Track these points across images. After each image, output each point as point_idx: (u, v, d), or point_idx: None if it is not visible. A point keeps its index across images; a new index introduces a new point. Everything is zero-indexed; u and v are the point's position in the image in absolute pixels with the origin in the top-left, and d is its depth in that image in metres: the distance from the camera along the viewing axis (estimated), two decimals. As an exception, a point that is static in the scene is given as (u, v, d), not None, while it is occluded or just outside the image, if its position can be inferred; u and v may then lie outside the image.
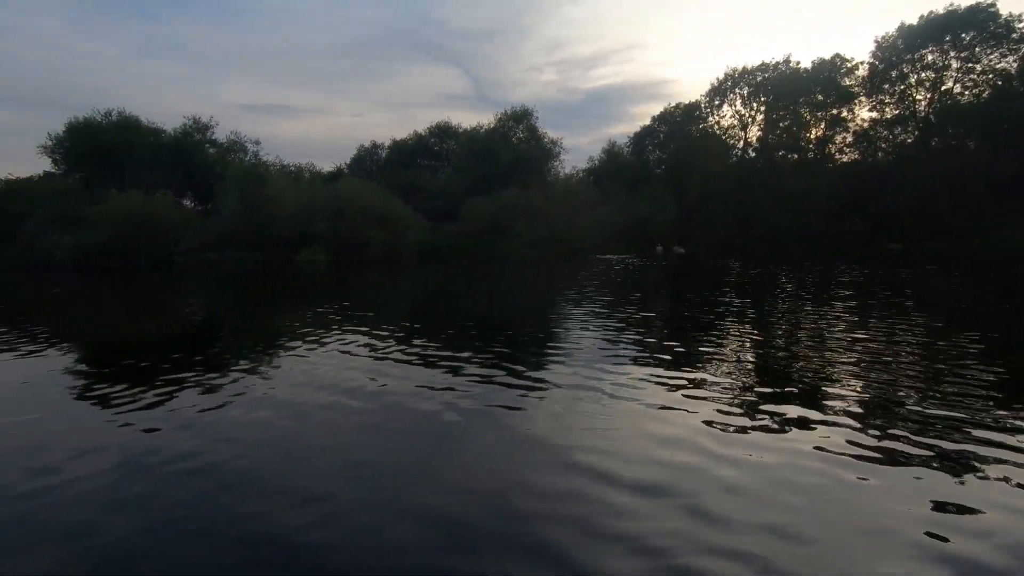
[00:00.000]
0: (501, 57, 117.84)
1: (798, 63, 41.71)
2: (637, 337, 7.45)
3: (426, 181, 36.89)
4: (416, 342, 7.54)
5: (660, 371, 5.51)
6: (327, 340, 7.71)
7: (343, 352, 6.94)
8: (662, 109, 48.95)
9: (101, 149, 32.32)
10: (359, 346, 7.27)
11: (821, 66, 40.56)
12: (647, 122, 49.16)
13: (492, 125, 38.17)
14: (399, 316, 10.89)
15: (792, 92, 40.60)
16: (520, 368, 5.85)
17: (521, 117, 37.88)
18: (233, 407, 4.74)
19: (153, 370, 6.28)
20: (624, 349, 6.67)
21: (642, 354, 6.35)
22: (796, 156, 41.98)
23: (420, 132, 43.34)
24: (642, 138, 49.11)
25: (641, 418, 4.20)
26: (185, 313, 12.03)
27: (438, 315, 11.24)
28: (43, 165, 34.09)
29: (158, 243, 27.26)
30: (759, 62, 45.94)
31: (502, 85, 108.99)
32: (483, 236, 30.73)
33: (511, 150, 35.98)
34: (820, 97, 40.11)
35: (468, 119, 78.77)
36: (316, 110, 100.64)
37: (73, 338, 9.04)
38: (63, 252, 26.31)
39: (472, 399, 4.86)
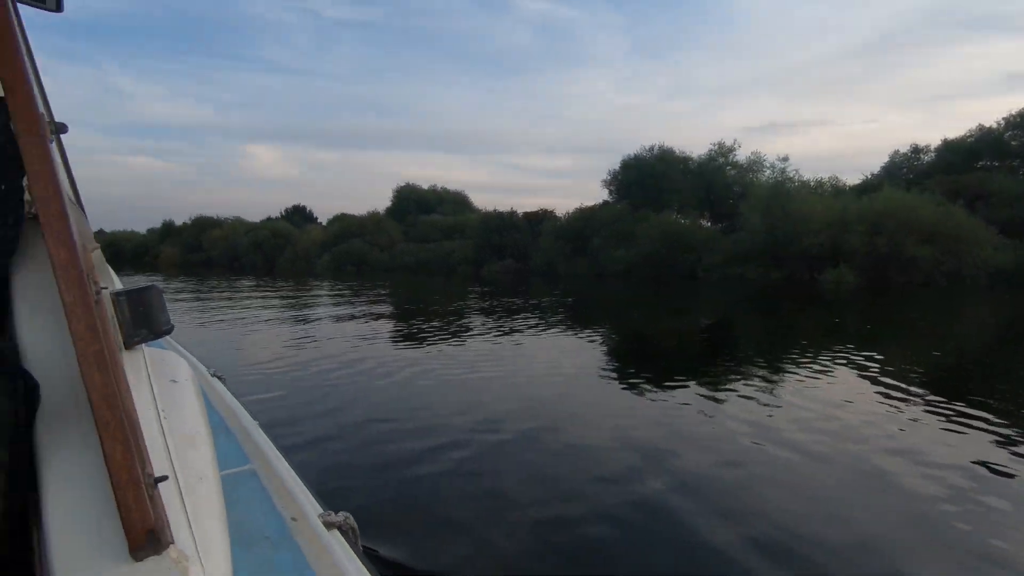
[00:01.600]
0: None
1: None
2: None
3: (998, 186, 28.04)
4: (949, 395, 5.88)
5: None
6: (838, 374, 6.88)
7: (852, 392, 6.08)
8: None
9: (643, 178, 38.62)
10: (871, 386, 6.34)
11: None
12: None
13: None
14: (941, 359, 8.49)
15: None
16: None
17: None
18: (731, 424, 4.90)
19: (666, 367, 7.73)
20: None
21: None
22: None
23: (986, 125, 33.30)
24: None
25: None
26: (700, 323, 13.23)
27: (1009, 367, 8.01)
28: (602, 195, 43.19)
29: (685, 258, 30.53)
30: None
31: None
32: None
33: None
34: None
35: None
36: (817, 122, 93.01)
37: (615, 329, 11.80)
38: (616, 264, 32.75)
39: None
